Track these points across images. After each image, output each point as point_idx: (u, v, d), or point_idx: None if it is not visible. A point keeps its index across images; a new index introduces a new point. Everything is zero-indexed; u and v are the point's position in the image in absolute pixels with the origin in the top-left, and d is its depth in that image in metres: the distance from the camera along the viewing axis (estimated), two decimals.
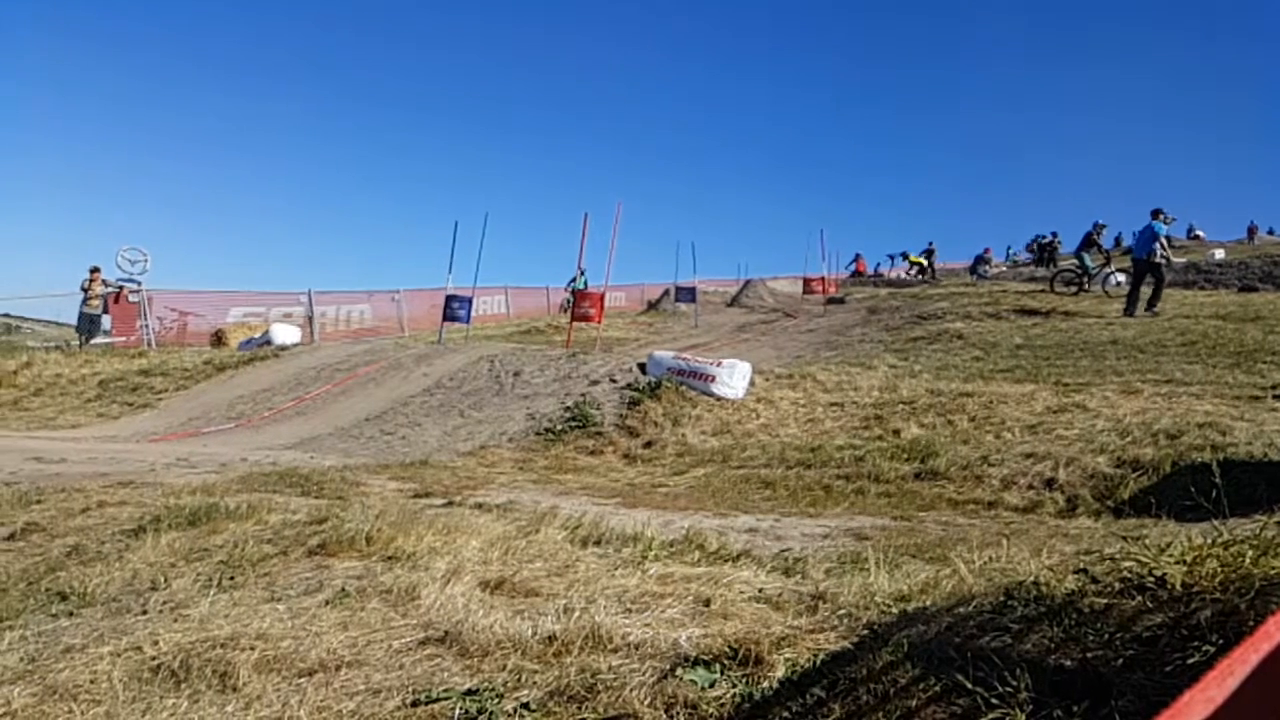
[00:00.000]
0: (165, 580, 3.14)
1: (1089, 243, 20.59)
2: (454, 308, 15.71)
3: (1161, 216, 16.33)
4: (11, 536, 4.11)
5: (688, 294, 24.84)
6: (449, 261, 15.87)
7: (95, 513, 4.51)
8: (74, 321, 18.35)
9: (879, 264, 45.28)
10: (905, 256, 36.69)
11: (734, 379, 9.90)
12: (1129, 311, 15.99)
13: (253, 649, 2.33)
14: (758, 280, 31.65)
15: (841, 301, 25.62)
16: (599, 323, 16.38)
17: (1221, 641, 1.60)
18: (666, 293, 27.43)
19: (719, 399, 9.71)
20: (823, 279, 27.34)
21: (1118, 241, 32.05)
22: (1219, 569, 1.83)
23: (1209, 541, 1.97)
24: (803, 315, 23.84)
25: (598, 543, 3.64)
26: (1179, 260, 22.62)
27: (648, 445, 8.80)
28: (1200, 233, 39.53)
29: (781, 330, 21.28)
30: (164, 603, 2.88)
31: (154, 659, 2.31)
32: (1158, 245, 15.99)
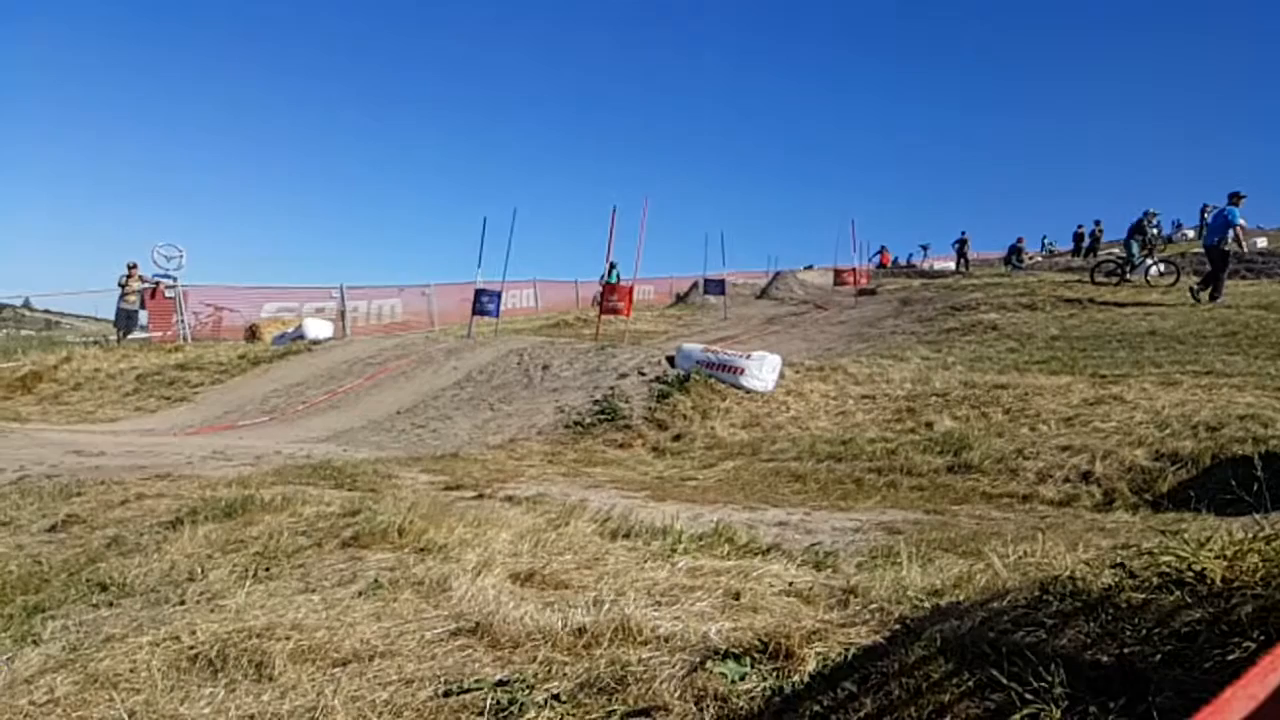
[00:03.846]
0: (202, 571, 3.20)
1: (1138, 230, 20.17)
2: (483, 302, 15.79)
3: (1238, 201, 15.81)
4: (53, 528, 4.20)
5: (717, 286, 24.75)
6: (478, 256, 15.95)
7: (134, 505, 4.59)
8: (112, 317, 18.67)
9: (911, 254, 44.96)
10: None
11: (763, 371, 9.86)
12: (1214, 297, 15.50)
13: (288, 639, 2.36)
14: (787, 272, 31.47)
15: (873, 293, 25.36)
16: (628, 316, 16.37)
17: (1263, 638, 1.57)
18: (695, 285, 27.37)
19: (748, 392, 9.67)
20: (854, 270, 27.14)
21: (1158, 230, 31.45)
22: (1260, 564, 1.79)
23: (1250, 536, 1.93)
24: (833, 307, 23.65)
25: (627, 536, 3.65)
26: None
27: (676, 438, 8.79)
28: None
29: (812, 322, 21.13)
30: (201, 593, 2.93)
31: (192, 649, 2.35)
32: (1230, 232, 15.54)
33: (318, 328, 17.63)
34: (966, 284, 23.11)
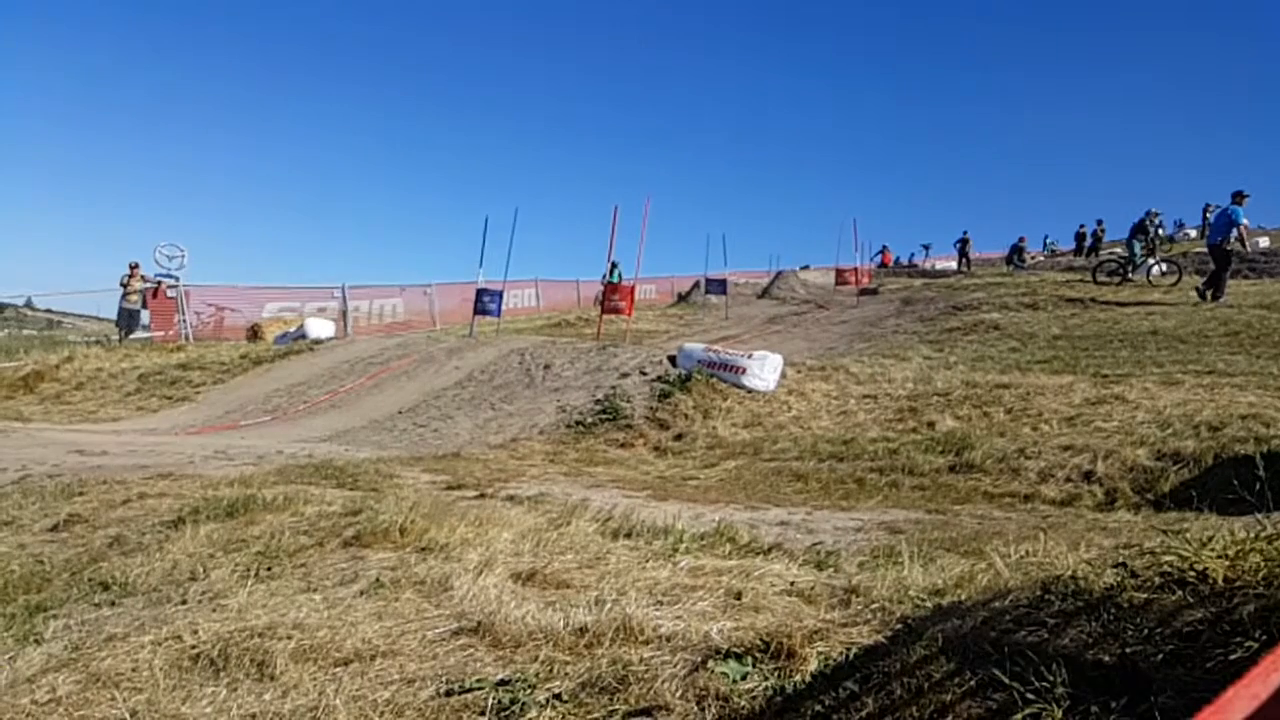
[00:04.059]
0: (204, 570, 3.20)
1: (1140, 230, 20.12)
2: (485, 301, 15.81)
3: (1241, 200, 15.72)
4: (55, 528, 4.21)
5: (718, 286, 24.74)
6: (480, 255, 16.01)
7: (136, 504, 4.60)
8: (114, 317, 18.70)
9: (913, 254, 44.98)
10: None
11: (765, 371, 9.86)
12: (1216, 296, 15.46)
13: (290, 638, 2.37)
14: (789, 271, 31.45)
15: (875, 292, 25.31)
16: (629, 315, 16.37)
17: (1265, 637, 1.56)
18: (697, 285, 27.35)
19: (750, 391, 9.67)
20: (855, 270, 27.07)
21: (1159, 230, 31.47)
22: (1262, 563, 1.79)
23: (1252, 535, 1.93)
24: (835, 307, 23.62)
25: (629, 535, 3.65)
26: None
27: (678, 438, 8.79)
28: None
29: (813, 322, 21.12)
30: (203, 593, 2.93)
31: (194, 648, 2.36)
32: (1234, 231, 15.50)
33: (319, 327, 17.65)
34: (968, 284, 23.09)
